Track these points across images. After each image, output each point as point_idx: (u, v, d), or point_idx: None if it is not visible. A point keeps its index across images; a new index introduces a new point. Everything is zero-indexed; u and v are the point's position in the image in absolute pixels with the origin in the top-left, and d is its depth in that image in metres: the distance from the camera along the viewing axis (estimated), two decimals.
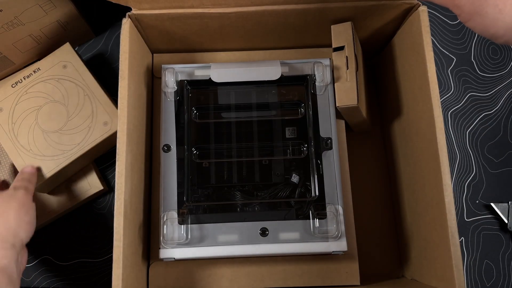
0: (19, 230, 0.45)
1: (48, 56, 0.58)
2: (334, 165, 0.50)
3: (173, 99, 0.52)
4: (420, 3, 0.49)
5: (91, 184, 0.60)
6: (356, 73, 0.49)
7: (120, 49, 0.47)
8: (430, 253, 0.49)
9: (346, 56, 0.49)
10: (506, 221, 0.61)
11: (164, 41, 0.56)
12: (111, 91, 0.58)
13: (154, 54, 0.59)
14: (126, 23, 0.48)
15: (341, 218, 0.49)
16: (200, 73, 0.53)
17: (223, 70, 0.52)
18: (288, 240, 0.48)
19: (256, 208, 0.50)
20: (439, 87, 0.49)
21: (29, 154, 0.55)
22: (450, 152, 0.64)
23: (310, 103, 0.52)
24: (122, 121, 0.45)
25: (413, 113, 0.52)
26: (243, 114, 0.54)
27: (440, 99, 0.47)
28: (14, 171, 0.59)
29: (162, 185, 0.50)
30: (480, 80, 0.67)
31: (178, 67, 0.53)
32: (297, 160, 0.52)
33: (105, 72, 0.65)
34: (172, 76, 0.52)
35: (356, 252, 0.52)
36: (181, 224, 0.48)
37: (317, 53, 0.58)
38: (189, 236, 0.48)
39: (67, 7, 0.58)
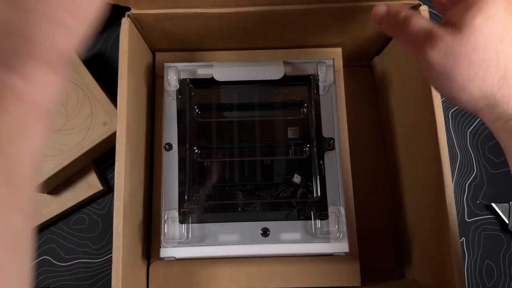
0: None
1: None
2: (337, 166, 0.50)
3: (175, 98, 0.52)
4: (421, 3, 0.49)
5: (90, 184, 0.59)
6: None
7: (120, 48, 0.47)
8: (431, 254, 0.49)
9: None
10: (507, 221, 0.61)
11: (164, 40, 0.55)
12: (111, 91, 0.58)
13: (156, 53, 0.58)
14: (125, 23, 0.48)
15: (343, 219, 0.48)
16: (202, 72, 0.53)
17: (226, 69, 0.52)
18: (289, 241, 0.48)
19: (257, 208, 0.50)
20: None
21: None
22: (451, 152, 0.64)
23: (313, 103, 0.52)
24: (121, 121, 0.45)
25: (413, 113, 0.52)
26: (246, 114, 0.54)
27: (441, 99, 0.47)
28: None
29: (163, 183, 0.50)
30: None
31: (180, 65, 0.53)
32: (299, 160, 0.52)
33: (104, 72, 0.64)
34: (174, 75, 0.52)
35: (358, 253, 0.52)
36: (182, 223, 0.48)
37: (320, 53, 0.57)
38: (190, 236, 0.48)
39: None
